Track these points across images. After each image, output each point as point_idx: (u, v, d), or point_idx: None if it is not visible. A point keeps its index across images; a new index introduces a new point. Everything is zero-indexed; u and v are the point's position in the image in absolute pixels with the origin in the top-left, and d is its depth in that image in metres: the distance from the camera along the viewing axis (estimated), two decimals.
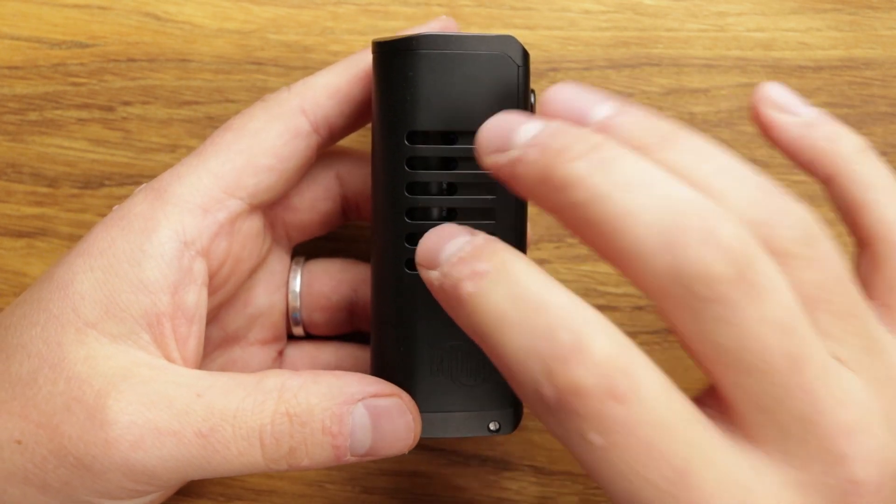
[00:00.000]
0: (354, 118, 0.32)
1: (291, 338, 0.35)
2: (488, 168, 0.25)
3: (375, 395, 0.28)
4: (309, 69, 0.37)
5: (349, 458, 0.28)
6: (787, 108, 0.28)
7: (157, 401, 0.27)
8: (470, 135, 0.28)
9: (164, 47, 0.37)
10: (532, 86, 0.33)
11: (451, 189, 0.29)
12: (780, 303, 0.23)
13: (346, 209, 0.34)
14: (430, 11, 0.37)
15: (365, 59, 0.31)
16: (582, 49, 0.37)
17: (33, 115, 0.38)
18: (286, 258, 0.34)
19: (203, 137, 0.37)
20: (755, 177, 0.24)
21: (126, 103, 0.37)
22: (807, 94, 0.37)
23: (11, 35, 0.38)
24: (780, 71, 0.36)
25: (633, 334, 0.35)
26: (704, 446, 0.23)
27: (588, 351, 0.22)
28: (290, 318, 0.34)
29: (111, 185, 0.37)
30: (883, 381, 0.25)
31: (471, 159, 0.28)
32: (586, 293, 0.37)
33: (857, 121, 0.36)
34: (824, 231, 0.24)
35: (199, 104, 0.37)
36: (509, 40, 0.29)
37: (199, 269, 0.29)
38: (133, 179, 0.37)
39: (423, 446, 0.37)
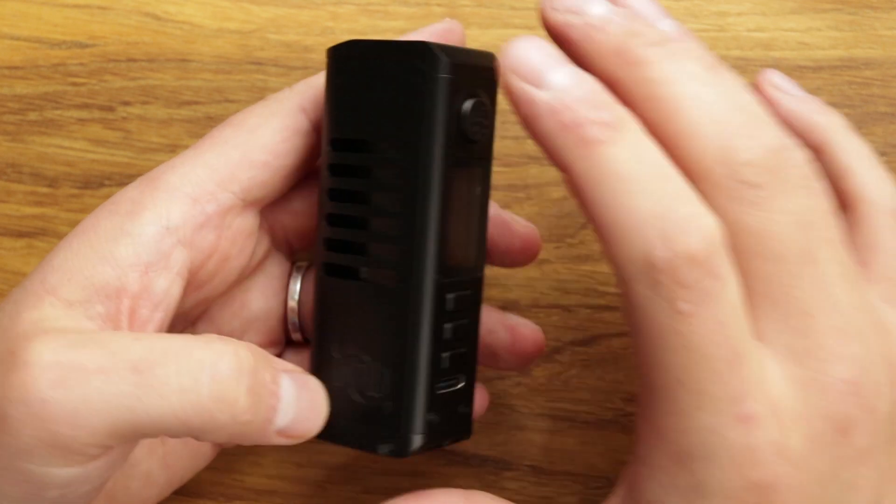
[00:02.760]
0: None
1: (290, 343, 0.35)
2: (554, 24, 0.26)
3: (294, 372, 0.29)
4: (309, 69, 0.37)
5: (272, 430, 0.27)
6: (786, 89, 0.33)
7: (89, 343, 0.26)
8: (384, 143, 0.28)
9: (164, 47, 0.37)
10: None
11: (363, 197, 0.29)
12: (806, 200, 0.26)
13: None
14: (429, 11, 0.37)
15: None
16: None
17: (33, 115, 0.38)
18: (286, 263, 0.34)
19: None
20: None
21: (126, 103, 0.37)
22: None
23: (11, 35, 0.38)
24: (780, 71, 0.37)
25: None
26: (754, 341, 0.25)
27: (704, 226, 0.24)
28: (289, 324, 0.34)
29: (111, 185, 0.37)
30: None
31: (386, 168, 0.28)
32: (587, 293, 0.37)
33: (857, 121, 0.36)
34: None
35: (199, 104, 0.37)
36: (422, 48, 0.28)
37: (179, 258, 0.29)
38: (133, 179, 0.37)
39: None
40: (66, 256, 0.28)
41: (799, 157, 0.26)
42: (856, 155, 0.31)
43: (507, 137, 0.36)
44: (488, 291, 0.35)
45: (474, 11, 0.37)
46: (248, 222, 0.31)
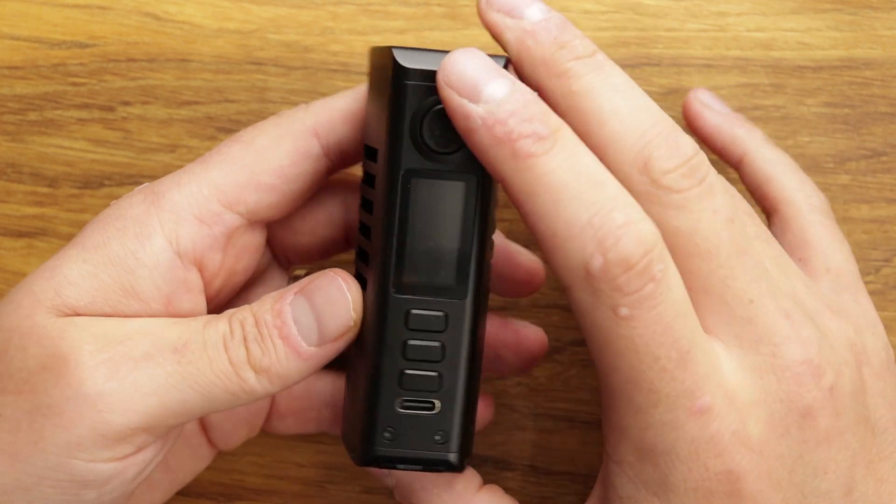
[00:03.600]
0: None
1: None
2: (490, 23, 0.27)
3: (309, 282, 0.28)
4: (309, 69, 0.37)
5: (309, 350, 0.28)
6: (711, 105, 0.34)
7: (132, 334, 0.27)
8: (379, 151, 0.28)
9: (164, 47, 0.37)
10: None
11: (370, 206, 0.29)
12: (729, 199, 0.27)
13: (350, 237, 0.33)
14: (430, 11, 0.37)
15: None
16: None
17: (33, 115, 0.38)
18: (286, 277, 0.34)
19: (203, 137, 0.37)
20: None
21: (126, 103, 0.37)
22: (807, 93, 0.37)
23: (11, 35, 0.38)
24: (780, 71, 0.37)
25: None
26: (702, 336, 0.26)
27: (638, 232, 0.25)
28: None
29: (111, 185, 0.37)
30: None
31: (376, 176, 0.28)
32: None
33: (857, 121, 0.36)
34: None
35: (199, 104, 0.37)
36: (388, 54, 0.27)
37: (195, 278, 0.29)
38: (133, 179, 0.37)
39: None
40: (81, 275, 0.28)
41: (710, 168, 0.27)
42: (776, 162, 0.33)
43: None
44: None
45: (474, 11, 0.37)
46: (254, 239, 0.31)
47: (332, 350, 0.28)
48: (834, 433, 0.27)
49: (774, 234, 0.32)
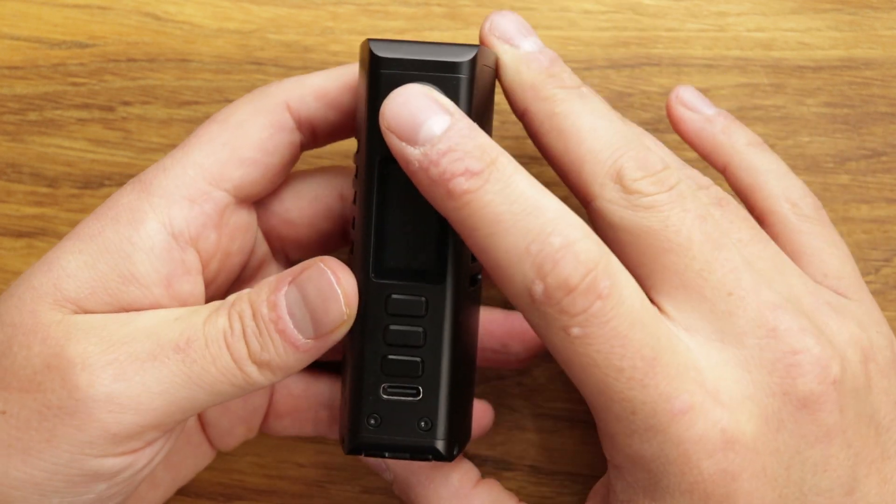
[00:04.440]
0: (338, 128, 0.31)
1: None
2: (489, 45, 0.29)
3: (303, 271, 0.28)
4: (309, 69, 0.37)
5: (306, 344, 0.28)
6: (694, 107, 0.33)
7: (136, 335, 0.27)
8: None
9: (164, 47, 0.37)
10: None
11: (355, 198, 0.29)
12: (702, 200, 0.28)
13: (348, 231, 0.33)
14: (430, 11, 0.37)
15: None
16: (582, 49, 0.37)
17: (33, 115, 0.38)
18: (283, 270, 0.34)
19: None
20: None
21: (126, 103, 0.37)
22: (807, 94, 0.37)
23: (11, 35, 0.38)
24: (780, 71, 0.37)
25: None
26: (668, 337, 0.26)
27: (576, 252, 0.25)
28: None
29: (111, 185, 0.37)
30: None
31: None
32: None
33: (857, 121, 0.36)
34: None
35: (199, 104, 0.37)
36: (365, 45, 0.28)
37: (192, 258, 0.29)
38: None
39: None
40: (79, 266, 0.28)
41: (676, 174, 0.28)
42: (758, 170, 0.32)
43: (507, 137, 0.36)
44: (488, 291, 0.35)
45: (474, 11, 0.37)
46: (243, 219, 0.31)
47: (329, 341, 0.28)
48: (836, 429, 0.26)
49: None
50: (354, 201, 0.29)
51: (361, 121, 0.29)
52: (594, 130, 0.28)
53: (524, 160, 0.37)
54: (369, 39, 0.28)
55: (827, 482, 0.27)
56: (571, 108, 0.28)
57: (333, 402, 0.35)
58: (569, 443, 0.37)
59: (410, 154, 0.26)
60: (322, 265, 0.28)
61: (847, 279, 0.30)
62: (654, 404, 0.26)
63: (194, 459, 0.34)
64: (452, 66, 0.28)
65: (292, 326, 0.28)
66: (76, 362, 0.27)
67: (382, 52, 0.27)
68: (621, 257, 0.27)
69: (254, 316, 0.28)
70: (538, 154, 0.33)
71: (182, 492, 0.37)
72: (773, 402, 0.26)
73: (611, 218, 0.27)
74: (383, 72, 0.27)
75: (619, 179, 0.27)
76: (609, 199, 0.27)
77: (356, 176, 0.29)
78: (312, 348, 0.28)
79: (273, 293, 0.28)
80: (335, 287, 0.28)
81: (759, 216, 0.32)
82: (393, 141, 0.26)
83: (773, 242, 0.29)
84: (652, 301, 0.27)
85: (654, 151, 0.28)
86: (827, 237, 0.31)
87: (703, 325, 0.27)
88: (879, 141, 0.36)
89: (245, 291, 0.28)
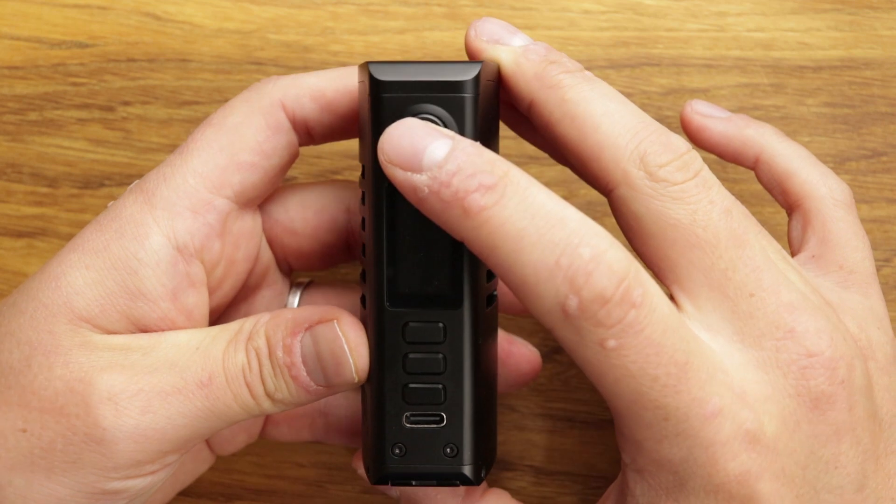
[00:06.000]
0: (335, 130, 0.31)
1: None
2: (478, 50, 0.29)
3: (320, 321, 0.28)
4: (309, 69, 0.37)
5: (317, 389, 0.28)
6: (711, 114, 0.33)
7: (159, 366, 0.28)
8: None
9: (164, 47, 0.37)
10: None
11: (363, 224, 0.29)
12: (724, 192, 0.27)
13: (352, 245, 0.33)
14: (430, 11, 0.37)
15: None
16: (582, 49, 0.37)
17: (33, 115, 0.38)
18: (288, 283, 0.34)
19: None
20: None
21: (126, 103, 0.37)
22: (807, 93, 0.37)
23: (11, 35, 0.38)
24: (780, 71, 0.37)
25: None
26: (695, 340, 0.26)
27: (608, 263, 0.25)
28: None
29: (111, 185, 0.37)
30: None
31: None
32: None
33: (857, 121, 0.36)
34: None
35: (199, 104, 0.37)
36: (363, 67, 0.27)
37: (197, 270, 0.29)
38: (133, 180, 0.37)
39: None
40: (87, 283, 0.28)
41: (703, 162, 0.27)
42: (794, 157, 0.32)
43: (506, 137, 0.36)
44: None
45: (474, 11, 0.37)
46: (247, 223, 0.31)
47: (340, 391, 0.29)
48: (845, 427, 0.27)
49: (793, 228, 0.32)
50: (363, 227, 0.29)
51: (364, 147, 0.28)
52: (608, 115, 0.27)
53: (524, 160, 0.37)
54: (368, 63, 0.27)
55: (838, 479, 0.27)
56: (581, 94, 0.27)
57: (328, 409, 0.34)
58: (569, 443, 0.37)
59: (417, 181, 0.25)
60: (337, 328, 0.28)
61: (860, 274, 0.31)
62: (686, 409, 0.25)
63: (195, 465, 0.35)
64: (456, 86, 0.27)
65: (305, 374, 0.28)
66: (102, 392, 0.27)
67: (383, 76, 0.27)
68: (643, 248, 0.27)
69: (270, 355, 0.28)
70: (538, 154, 0.33)
71: (182, 492, 0.37)
72: (790, 403, 0.26)
73: (636, 207, 0.27)
74: (385, 95, 0.27)
75: (644, 165, 0.27)
76: (634, 186, 0.27)
77: (363, 202, 0.29)
78: (324, 392, 0.29)
79: (289, 336, 0.28)
80: (347, 354, 0.28)
81: (795, 200, 0.32)
82: (396, 173, 0.26)
83: (773, 239, 0.29)
84: (670, 297, 0.27)
85: (672, 132, 0.28)
86: (856, 229, 0.31)
87: (724, 325, 0.27)
88: (879, 141, 0.36)
89: (262, 322, 0.29)
